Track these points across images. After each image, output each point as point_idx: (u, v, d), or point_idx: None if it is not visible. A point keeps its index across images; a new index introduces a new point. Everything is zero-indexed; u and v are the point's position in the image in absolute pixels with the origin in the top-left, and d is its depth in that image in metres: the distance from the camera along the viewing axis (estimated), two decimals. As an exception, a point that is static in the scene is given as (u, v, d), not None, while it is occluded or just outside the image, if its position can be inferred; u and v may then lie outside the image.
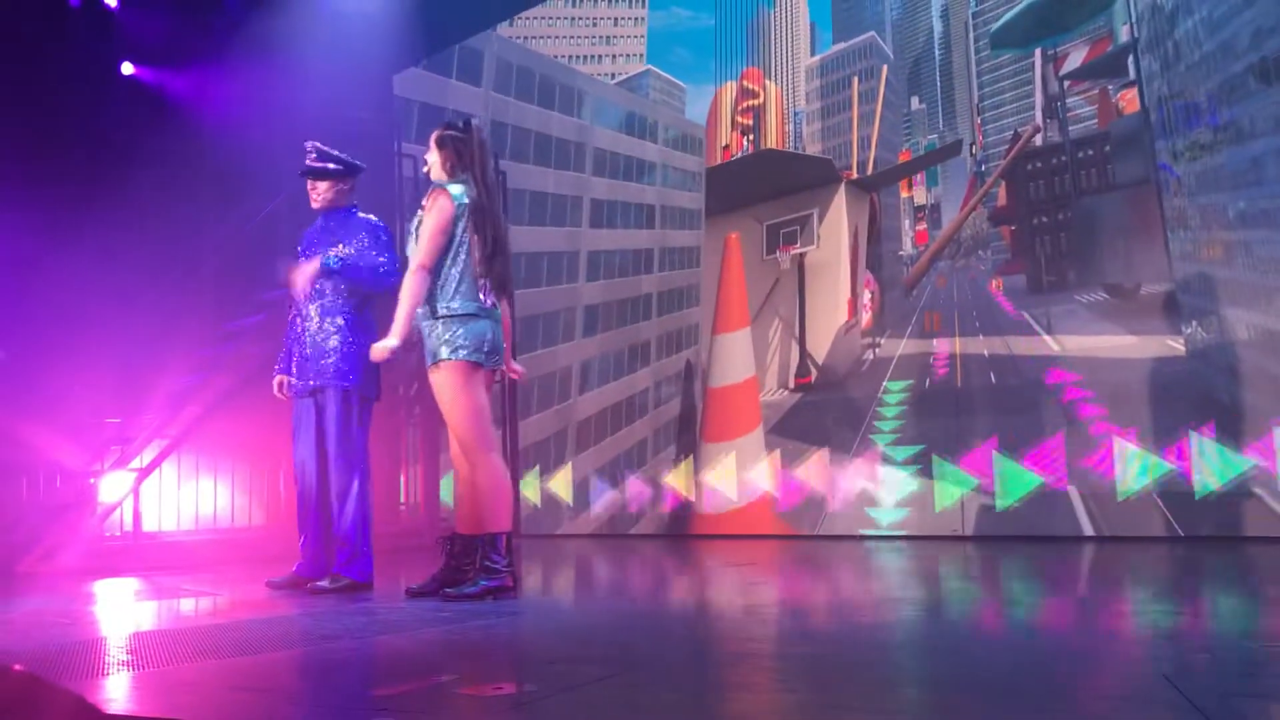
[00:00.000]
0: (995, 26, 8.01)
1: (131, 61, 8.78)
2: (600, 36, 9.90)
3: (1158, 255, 7.06)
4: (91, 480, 7.24)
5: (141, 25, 8.71)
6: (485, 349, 4.23)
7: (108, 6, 8.61)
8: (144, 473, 7.33)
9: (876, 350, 8.59)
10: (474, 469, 4.21)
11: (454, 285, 4.25)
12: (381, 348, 4.24)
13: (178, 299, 7.89)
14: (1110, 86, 7.36)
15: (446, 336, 4.20)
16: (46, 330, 7.48)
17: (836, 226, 9.00)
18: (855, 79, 8.97)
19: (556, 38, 10.20)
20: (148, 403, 7.78)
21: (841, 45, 9.02)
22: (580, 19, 10.08)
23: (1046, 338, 7.54)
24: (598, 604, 4.47)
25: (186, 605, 4.69)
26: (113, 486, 7.20)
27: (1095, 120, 7.45)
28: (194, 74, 8.68)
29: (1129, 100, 7.29)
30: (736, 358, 9.53)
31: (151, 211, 8.16)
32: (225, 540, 7.69)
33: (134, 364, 7.73)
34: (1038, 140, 7.68)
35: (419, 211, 4.34)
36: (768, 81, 9.11)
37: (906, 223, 8.61)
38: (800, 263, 9.20)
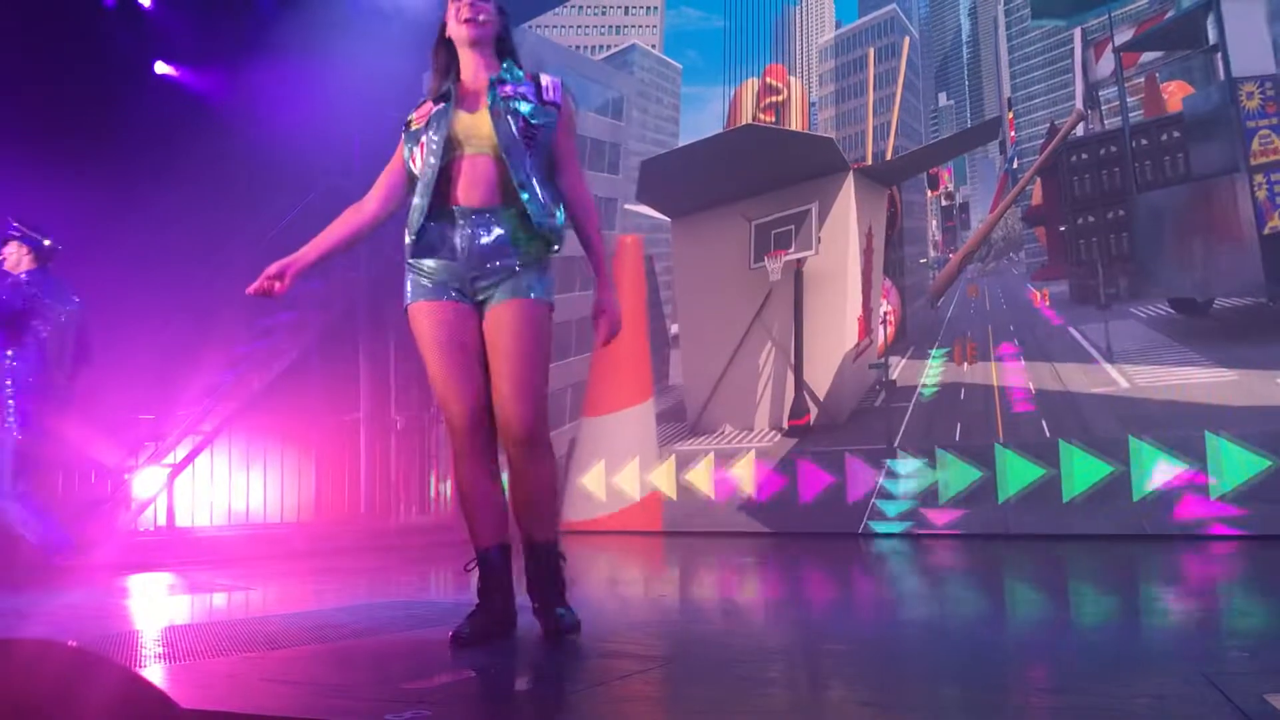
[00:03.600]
0: None
1: (164, 60, 8.86)
2: (610, 26, 9.41)
3: (1246, 262, 5.88)
4: (126, 476, 7.31)
5: (174, 24, 8.79)
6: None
7: (141, 6, 8.69)
8: (178, 468, 7.40)
9: (892, 380, 7.33)
10: (531, 458, 2.99)
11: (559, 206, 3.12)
12: None
13: (211, 296, 7.96)
14: (1155, 74, 6.54)
15: (551, 273, 3.11)
16: (83, 326, 7.53)
17: (842, 226, 7.59)
18: (871, 52, 7.86)
19: (563, 26, 9.65)
20: (181, 399, 7.87)
21: (857, 21, 8.00)
22: (588, 7, 9.54)
23: (1108, 368, 6.37)
24: (619, 600, 4.47)
25: (220, 599, 4.73)
26: (147, 482, 7.27)
27: (1140, 111, 6.53)
28: (226, 72, 8.74)
29: (1171, 93, 6.39)
30: (619, 457, 8.46)
31: (185, 208, 8.23)
32: (257, 535, 7.75)
33: (168, 360, 7.81)
34: (1079, 130, 6.82)
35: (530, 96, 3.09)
36: (791, 78, 8.25)
37: (934, 223, 7.49)
38: (797, 272, 7.77)
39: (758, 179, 8.10)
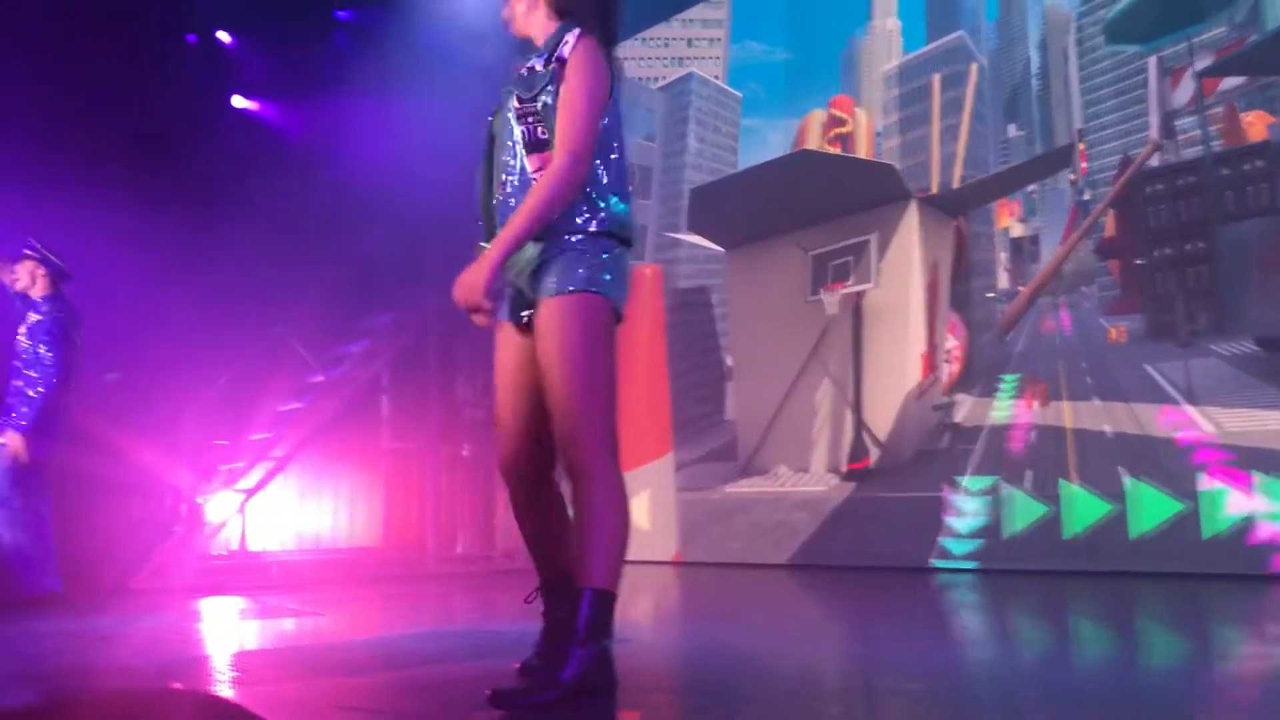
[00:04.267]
0: (1111, 15, 6.76)
1: (242, 94, 9.10)
2: (673, 58, 9.29)
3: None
4: (200, 500, 7.47)
5: (253, 59, 9.03)
6: (624, 285, 2.71)
7: (220, 42, 8.95)
8: (250, 493, 7.54)
9: (956, 418, 6.97)
10: (583, 479, 2.54)
11: (607, 183, 2.69)
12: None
13: (285, 324, 8.13)
14: (1234, 102, 6.21)
15: (589, 258, 2.62)
16: (158, 353, 7.74)
17: (905, 257, 7.31)
18: (936, 79, 7.52)
19: (627, 59, 9.85)
20: (255, 424, 8.03)
21: (923, 49, 7.71)
22: (651, 39, 9.40)
23: (1190, 409, 5.99)
24: (691, 633, 4.45)
25: (291, 625, 4.80)
26: (220, 506, 7.42)
27: (1219, 141, 6.21)
28: (303, 106, 8.95)
29: (1250, 123, 6.07)
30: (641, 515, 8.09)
31: (260, 240, 8.42)
32: (327, 560, 7.87)
33: (242, 388, 7.98)
34: (1155, 160, 6.56)
35: (532, 73, 2.73)
36: (857, 109, 7.99)
37: (1003, 255, 7.18)
38: (856, 305, 7.47)
39: (815, 208, 7.74)
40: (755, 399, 8.10)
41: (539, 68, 2.69)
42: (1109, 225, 6.78)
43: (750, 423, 8.10)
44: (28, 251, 5.64)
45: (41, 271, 5.63)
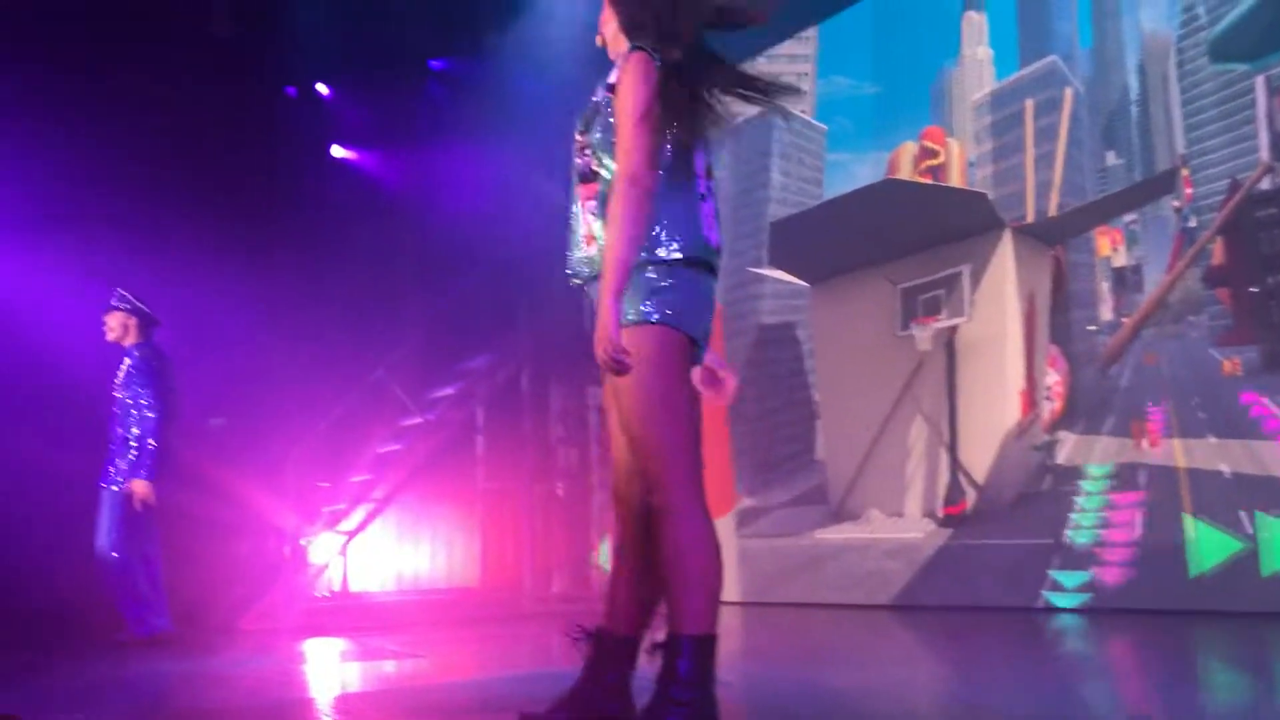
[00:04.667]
0: (1215, 33, 6.39)
1: (340, 144, 9.36)
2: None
3: None
4: (304, 542, 7.62)
5: (350, 111, 9.29)
6: (699, 312, 2.52)
7: (320, 94, 9.23)
8: (352, 535, 7.67)
9: (1058, 459, 6.55)
10: (665, 518, 2.40)
11: (680, 203, 2.54)
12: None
13: (384, 368, 8.29)
14: None
15: (658, 285, 2.45)
16: (263, 397, 7.95)
17: (999, 289, 7.01)
18: (1029, 104, 7.20)
19: None
20: (355, 467, 8.19)
21: (1015, 75, 7.43)
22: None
23: None
24: (787, 674, 4.38)
25: (393, 666, 4.85)
26: (323, 548, 7.55)
27: None
28: (398, 154, 9.18)
29: None
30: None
31: (359, 284, 8.64)
32: (425, 601, 7.95)
33: (343, 430, 8.15)
34: (1265, 183, 6.21)
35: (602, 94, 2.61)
36: (949, 140, 7.68)
37: (1105, 285, 6.81)
38: (949, 340, 7.17)
39: (903, 239, 7.42)
40: (845, 440, 7.82)
41: (599, 97, 2.58)
42: (1217, 252, 6.45)
43: (840, 465, 7.82)
44: (116, 303, 5.85)
45: (132, 321, 5.83)
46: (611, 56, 2.70)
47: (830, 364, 8.00)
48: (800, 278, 8.39)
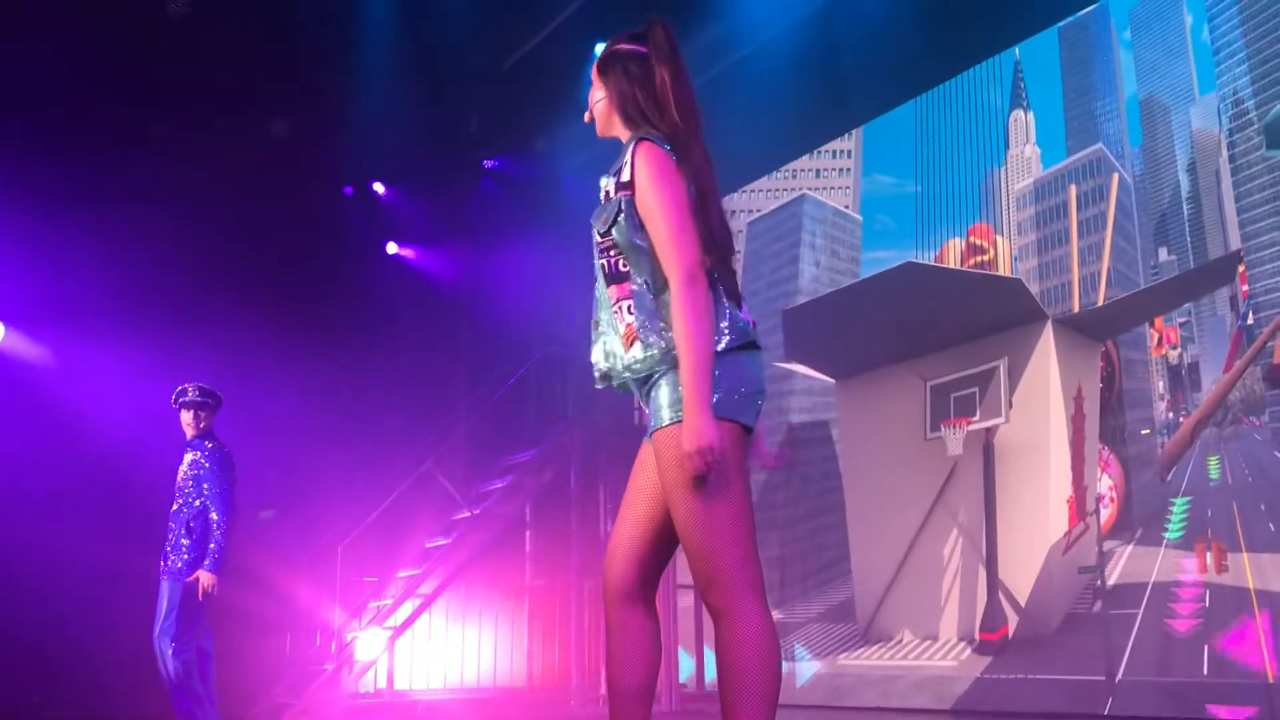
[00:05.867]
0: (1268, 119, 6.08)
1: (395, 241, 9.54)
2: (798, 189, 8.89)
3: None
4: (350, 638, 7.57)
5: (405, 209, 9.50)
6: (751, 398, 2.42)
7: (376, 194, 9.45)
8: (399, 631, 7.61)
9: (1111, 577, 5.83)
10: (723, 619, 2.33)
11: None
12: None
13: (433, 460, 8.32)
14: None
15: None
16: (312, 490, 7.98)
17: (1041, 387, 6.42)
18: (1073, 189, 6.84)
19: (755, 190, 9.14)
20: (403, 560, 8.17)
21: (1060, 164, 7.10)
22: (780, 171, 9.05)
23: None
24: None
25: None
26: (369, 644, 7.49)
27: None
28: (451, 252, 9.35)
29: None
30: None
31: (410, 379, 8.75)
32: (472, 700, 7.84)
33: (391, 523, 8.15)
34: None
35: (612, 192, 2.52)
36: (998, 237, 7.35)
37: (1161, 384, 6.35)
38: (986, 444, 6.52)
39: (931, 331, 6.93)
40: (874, 553, 7.20)
41: (611, 192, 2.49)
42: (1278, 350, 6.14)
43: (869, 580, 7.18)
44: (195, 397, 5.86)
45: (204, 414, 5.87)
46: (600, 133, 2.66)
47: (858, 469, 7.45)
48: (822, 372, 7.95)
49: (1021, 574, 6.24)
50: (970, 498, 6.54)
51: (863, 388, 7.49)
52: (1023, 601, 6.19)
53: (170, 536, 5.69)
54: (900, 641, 6.87)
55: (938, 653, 6.49)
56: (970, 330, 6.86)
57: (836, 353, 7.74)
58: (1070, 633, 5.95)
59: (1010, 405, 6.53)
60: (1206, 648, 5.45)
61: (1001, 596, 6.27)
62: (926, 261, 7.72)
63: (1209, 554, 5.67)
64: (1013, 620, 6.20)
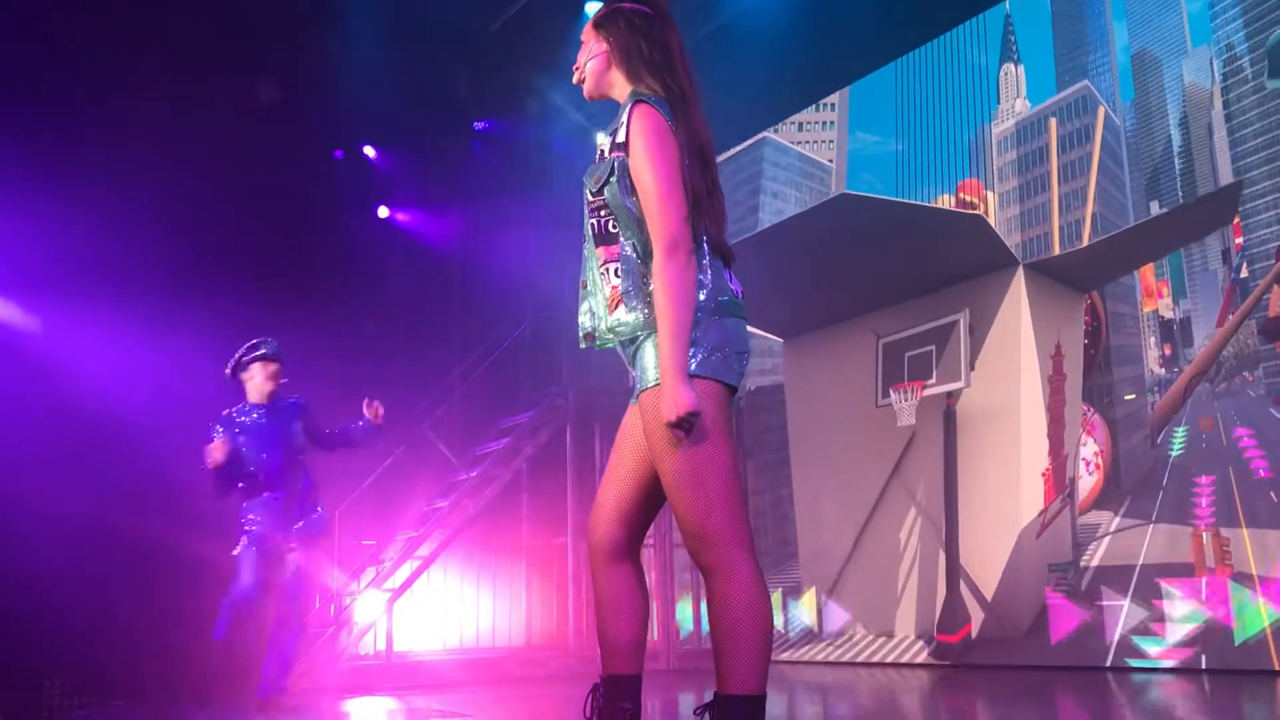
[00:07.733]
0: (1270, 42, 5.62)
1: (385, 205, 9.51)
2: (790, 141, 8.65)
3: None
4: (348, 601, 7.62)
5: (395, 171, 9.45)
6: (733, 357, 2.43)
7: (366, 157, 9.41)
8: (396, 593, 7.65)
9: (1095, 555, 4.94)
10: (714, 576, 2.34)
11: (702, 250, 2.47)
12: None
13: (428, 426, 8.36)
14: None
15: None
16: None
17: (1010, 344, 5.52)
18: (1053, 123, 6.04)
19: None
20: (401, 523, 8.23)
21: (1043, 104, 6.38)
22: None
23: None
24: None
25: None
26: (368, 606, 7.54)
27: None
28: (443, 214, 9.33)
29: None
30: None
31: (405, 342, 8.76)
32: (471, 660, 7.91)
33: (388, 488, 8.19)
34: None
35: (608, 152, 2.50)
36: (988, 192, 6.95)
37: (1152, 339, 5.71)
38: (948, 410, 5.58)
39: (886, 281, 6.06)
40: (822, 536, 6.35)
41: (606, 152, 2.49)
42: (1274, 303, 5.95)
43: (817, 569, 6.38)
44: (275, 351, 5.66)
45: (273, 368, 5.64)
46: (590, 94, 2.65)
47: (804, 441, 6.65)
48: (766, 330, 7.13)
49: (987, 563, 5.54)
50: (929, 473, 5.79)
51: (814, 346, 6.72)
52: (989, 595, 5.45)
53: (275, 498, 5.47)
54: (852, 637, 6.18)
55: (895, 649, 5.75)
56: (930, 278, 6.07)
57: (781, 308, 6.92)
58: (1043, 628, 5.21)
59: (972, 367, 5.77)
60: (1201, 649, 4.95)
61: (964, 589, 5.47)
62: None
63: (1208, 544, 5.06)
64: (976, 618, 5.46)
